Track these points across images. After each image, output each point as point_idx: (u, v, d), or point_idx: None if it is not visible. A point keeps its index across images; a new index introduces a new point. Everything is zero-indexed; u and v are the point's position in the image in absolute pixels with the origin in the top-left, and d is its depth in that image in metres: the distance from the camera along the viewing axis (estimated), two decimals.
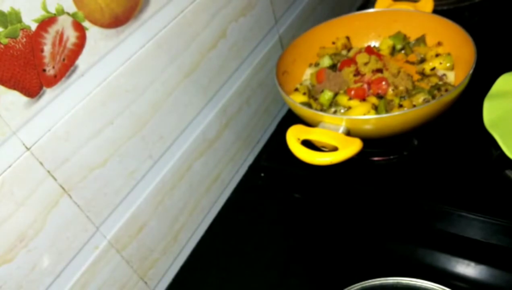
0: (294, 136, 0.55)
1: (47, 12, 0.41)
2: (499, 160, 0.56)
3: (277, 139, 0.57)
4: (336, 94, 0.65)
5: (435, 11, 0.70)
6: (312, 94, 0.68)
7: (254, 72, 0.73)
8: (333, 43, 0.75)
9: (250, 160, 0.76)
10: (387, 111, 0.59)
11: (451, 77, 0.65)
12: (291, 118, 0.64)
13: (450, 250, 0.54)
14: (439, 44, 0.69)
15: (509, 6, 0.81)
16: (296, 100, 0.62)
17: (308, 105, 0.65)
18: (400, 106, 0.60)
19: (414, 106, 0.60)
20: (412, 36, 0.72)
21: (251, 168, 0.76)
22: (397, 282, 0.49)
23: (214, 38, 0.63)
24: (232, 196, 0.72)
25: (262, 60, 0.75)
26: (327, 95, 0.64)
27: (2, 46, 0.38)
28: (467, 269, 0.52)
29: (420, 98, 0.60)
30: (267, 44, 0.75)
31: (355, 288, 0.49)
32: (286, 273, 0.58)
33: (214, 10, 0.61)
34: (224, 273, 0.61)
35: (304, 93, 0.67)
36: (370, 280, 0.49)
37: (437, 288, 0.47)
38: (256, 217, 0.67)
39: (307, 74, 0.73)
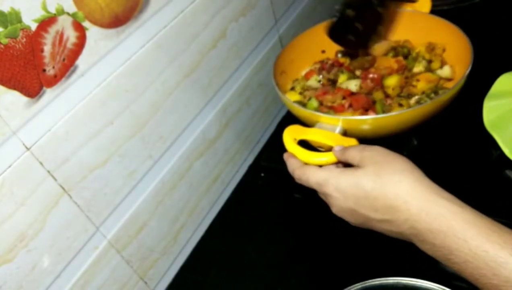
0: (290, 136, 0.55)
1: (47, 12, 0.41)
2: (499, 160, 0.56)
3: (277, 139, 0.56)
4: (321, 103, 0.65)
5: (436, 11, 0.70)
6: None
7: (254, 72, 0.73)
8: (323, 51, 0.74)
9: (250, 160, 0.76)
10: (384, 112, 0.59)
11: (446, 71, 0.65)
12: (291, 118, 0.64)
13: None
14: (431, 45, 0.69)
15: (509, 6, 0.81)
16: (291, 99, 0.62)
17: (304, 104, 0.65)
18: (400, 105, 0.60)
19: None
20: (411, 37, 0.72)
21: (251, 168, 0.76)
22: (397, 282, 0.49)
23: (214, 38, 0.63)
24: (232, 196, 0.72)
25: (262, 60, 0.75)
26: (315, 103, 0.64)
27: (2, 46, 0.38)
28: None
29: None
30: (267, 44, 0.75)
31: (355, 288, 0.49)
32: (286, 273, 0.58)
33: (214, 10, 0.61)
34: (224, 273, 0.61)
35: (300, 93, 0.67)
36: (370, 280, 0.49)
37: (437, 288, 0.47)
38: (256, 217, 0.67)
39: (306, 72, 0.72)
